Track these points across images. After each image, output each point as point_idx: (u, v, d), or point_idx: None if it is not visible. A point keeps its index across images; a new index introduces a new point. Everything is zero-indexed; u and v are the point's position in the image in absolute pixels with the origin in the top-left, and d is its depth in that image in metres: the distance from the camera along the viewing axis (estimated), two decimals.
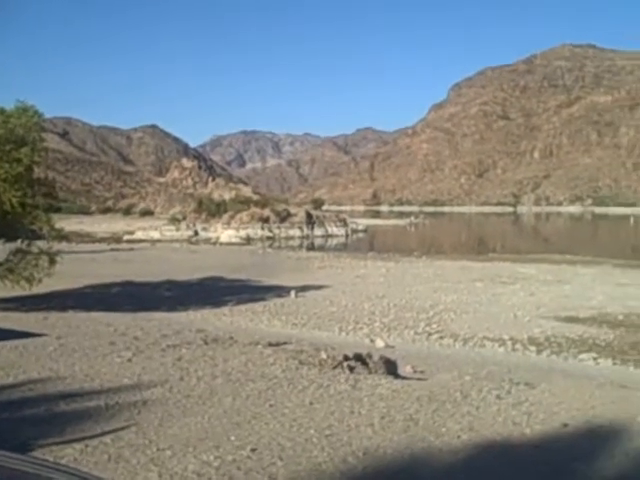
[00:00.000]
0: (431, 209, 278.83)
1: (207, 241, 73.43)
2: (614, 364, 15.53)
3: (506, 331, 19.67)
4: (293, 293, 27.13)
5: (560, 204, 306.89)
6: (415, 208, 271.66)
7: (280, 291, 28.14)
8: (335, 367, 9.34)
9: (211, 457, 5.62)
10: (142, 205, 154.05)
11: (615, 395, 8.27)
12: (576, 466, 5.54)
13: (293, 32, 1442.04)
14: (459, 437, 6.23)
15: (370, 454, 5.69)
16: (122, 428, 6.34)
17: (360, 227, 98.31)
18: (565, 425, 6.70)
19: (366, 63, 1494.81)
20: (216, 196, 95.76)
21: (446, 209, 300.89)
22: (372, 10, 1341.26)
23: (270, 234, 79.76)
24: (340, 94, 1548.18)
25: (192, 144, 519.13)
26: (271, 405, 7.26)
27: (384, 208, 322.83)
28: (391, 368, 9.81)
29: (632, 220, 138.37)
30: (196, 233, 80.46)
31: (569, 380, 9.87)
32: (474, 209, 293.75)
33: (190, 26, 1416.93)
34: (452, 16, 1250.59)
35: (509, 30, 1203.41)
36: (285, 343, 12.07)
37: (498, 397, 7.94)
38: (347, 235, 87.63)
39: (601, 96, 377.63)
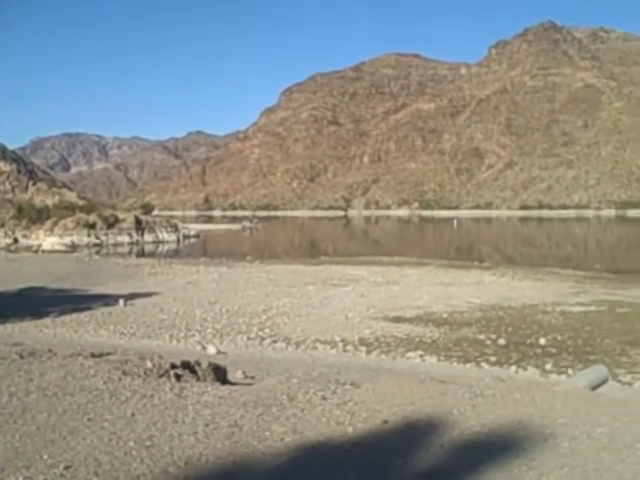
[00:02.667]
0: (264, 213, 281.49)
1: (28, 249, 70.04)
2: (439, 360, 16.34)
3: (338, 333, 20.11)
4: (122, 301, 26.33)
5: (389, 207, 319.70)
6: (248, 212, 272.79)
7: (108, 300, 27.23)
8: (161, 376, 9.06)
9: (20, 478, 5.25)
10: None
11: (434, 390, 8.60)
12: (393, 460, 5.70)
13: (119, 30, 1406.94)
14: (282, 440, 6.23)
15: (192, 463, 5.55)
16: None
17: (192, 232, 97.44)
18: (385, 422, 6.88)
19: (196, 66, 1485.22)
20: (38, 202, 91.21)
21: (279, 213, 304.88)
22: (202, 13, 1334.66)
23: (97, 241, 77.19)
24: (170, 97, 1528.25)
25: (10, 146, 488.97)
26: (90, 419, 6.90)
27: (217, 213, 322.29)
28: (220, 374, 9.66)
29: (455, 223, 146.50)
30: (16, 241, 76.43)
31: (394, 378, 10.17)
32: (307, 213, 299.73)
33: (5, 20, 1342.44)
34: (282, 21, 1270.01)
35: (338, 38, 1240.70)
36: (109, 353, 11.58)
37: (324, 398, 8.02)
38: (179, 241, 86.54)
39: (425, 104, 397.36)
